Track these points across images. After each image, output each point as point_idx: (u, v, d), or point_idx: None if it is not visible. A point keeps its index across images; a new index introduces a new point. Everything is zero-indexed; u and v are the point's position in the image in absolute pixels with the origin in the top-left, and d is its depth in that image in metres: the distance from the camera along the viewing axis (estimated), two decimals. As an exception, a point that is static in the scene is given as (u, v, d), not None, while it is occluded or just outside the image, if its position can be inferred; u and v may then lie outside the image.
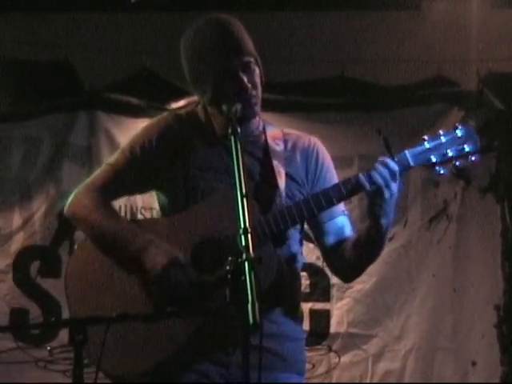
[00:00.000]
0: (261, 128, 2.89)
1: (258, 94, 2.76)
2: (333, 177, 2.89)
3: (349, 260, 2.84)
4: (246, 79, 2.72)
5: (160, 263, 2.64)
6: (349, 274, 2.98)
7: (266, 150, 2.83)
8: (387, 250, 5.19)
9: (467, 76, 5.35)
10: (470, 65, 5.33)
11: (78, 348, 2.35)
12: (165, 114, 2.98)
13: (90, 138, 5.47)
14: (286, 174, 2.80)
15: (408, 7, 5.42)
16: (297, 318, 2.83)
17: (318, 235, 2.89)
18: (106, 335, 2.49)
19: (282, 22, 5.42)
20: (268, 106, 5.13)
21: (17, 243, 5.40)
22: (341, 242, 2.85)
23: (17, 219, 5.42)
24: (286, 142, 2.89)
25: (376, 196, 2.65)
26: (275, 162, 2.80)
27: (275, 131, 2.91)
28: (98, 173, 2.89)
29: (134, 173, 2.85)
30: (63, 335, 5.03)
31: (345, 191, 2.68)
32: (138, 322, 2.62)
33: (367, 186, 2.64)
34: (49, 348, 5.02)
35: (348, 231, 2.87)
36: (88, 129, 5.49)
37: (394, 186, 2.65)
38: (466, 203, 5.33)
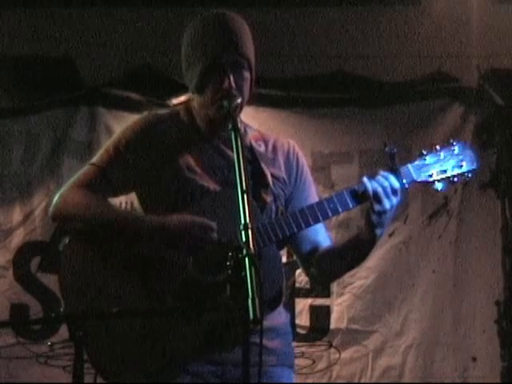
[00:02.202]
0: (243, 129, 2.86)
1: (240, 97, 2.71)
2: (311, 183, 2.95)
3: (324, 266, 2.88)
4: (232, 77, 2.69)
5: (190, 217, 2.63)
6: (323, 279, 3.07)
7: (252, 150, 2.85)
8: (388, 245, 5.20)
9: (467, 72, 5.35)
10: (470, 60, 5.32)
11: (79, 344, 2.35)
12: (145, 113, 2.94)
13: (91, 134, 5.45)
14: (271, 174, 2.82)
15: (408, 2, 5.42)
16: (284, 312, 2.85)
17: (294, 241, 2.90)
18: (107, 331, 2.48)
19: (282, 18, 5.41)
20: (268, 101, 5.17)
21: (17, 239, 5.39)
22: (317, 249, 2.89)
23: (17, 215, 5.41)
24: (266, 143, 2.91)
25: (375, 203, 2.68)
26: (261, 163, 2.82)
27: (254, 132, 2.93)
28: (81, 172, 2.83)
29: (119, 170, 2.79)
30: (64, 331, 5.01)
31: (350, 203, 2.72)
32: (135, 321, 2.61)
33: (370, 189, 2.67)
34: (49, 343, 5.02)
35: (324, 239, 2.91)
36: (88, 124, 5.47)
37: (395, 199, 2.70)
38: (467, 199, 5.33)
